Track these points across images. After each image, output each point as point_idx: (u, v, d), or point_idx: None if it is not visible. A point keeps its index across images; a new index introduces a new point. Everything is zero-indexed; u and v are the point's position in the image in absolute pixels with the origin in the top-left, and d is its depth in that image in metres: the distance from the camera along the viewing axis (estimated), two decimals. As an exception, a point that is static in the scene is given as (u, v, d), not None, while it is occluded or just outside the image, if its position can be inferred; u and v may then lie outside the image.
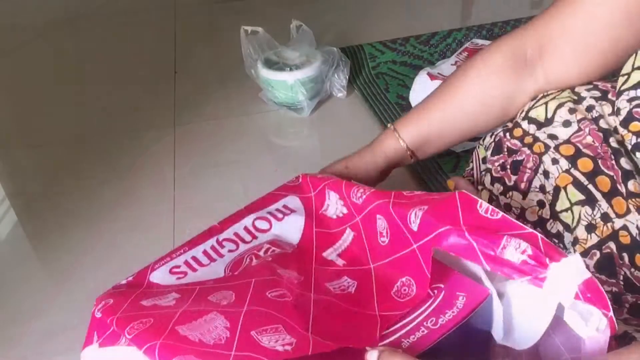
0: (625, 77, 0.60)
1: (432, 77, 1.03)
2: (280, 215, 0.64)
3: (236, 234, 0.61)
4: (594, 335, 0.40)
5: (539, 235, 0.44)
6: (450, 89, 0.72)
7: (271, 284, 0.52)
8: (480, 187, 0.71)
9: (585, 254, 0.57)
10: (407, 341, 0.46)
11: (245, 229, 0.62)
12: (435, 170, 0.95)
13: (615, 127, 0.61)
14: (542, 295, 0.42)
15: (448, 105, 0.72)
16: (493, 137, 0.71)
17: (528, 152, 0.64)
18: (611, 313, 0.41)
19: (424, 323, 0.46)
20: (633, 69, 0.60)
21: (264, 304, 0.48)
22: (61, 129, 1.20)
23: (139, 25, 1.61)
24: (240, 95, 1.23)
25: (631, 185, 0.57)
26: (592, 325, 0.40)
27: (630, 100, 0.59)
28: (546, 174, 0.62)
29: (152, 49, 1.49)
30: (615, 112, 0.61)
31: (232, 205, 0.68)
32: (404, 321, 0.47)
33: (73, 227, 0.93)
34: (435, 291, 0.48)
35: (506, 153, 0.68)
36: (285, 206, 0.65)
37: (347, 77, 1.19)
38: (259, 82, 1.19)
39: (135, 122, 1.18)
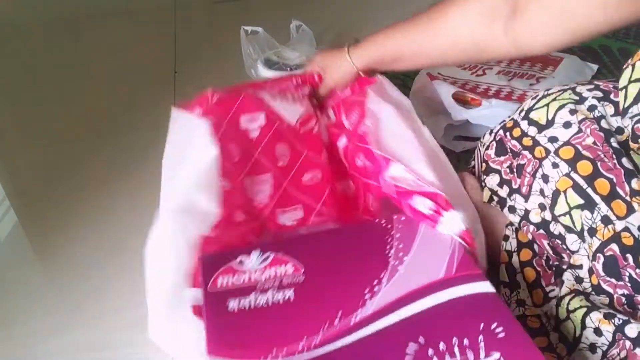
0: (624, 91, 0.58)
1: (431, 77, 1.03)
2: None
3: None
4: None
5: (441, 194, 0.61)
6: (423, 19, 0.75)
7: None
8: (482, 185, 0.71)
9: (593, 258, 0.57)
10: None
11: None
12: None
13: (618, 127, 0.61)
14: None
15: (419, 35, 0.76)
16: (493, 135, 0.71)
17: (530, 156, 0.64)
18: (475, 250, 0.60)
19: None
20: (629, 82, 0.58)
21: None
22: (61, 128, 1.20)
23: (139, 25, 1.61)
24: (241, 95, 1.23)
25: (635, 183, 0.56)
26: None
27: (632, 117, 0.58)
28: (545, 177, 0.62)
29: (152, 49, 1.49)
30: (618, 131, 0.61)
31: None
32: None
33: (73, 227, 0.93)
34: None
35: (510, 154, 0.68)
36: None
37: (347, 77, 1.19)
38: (259, 82, 1.19)
39: (135, 122, 1.18)
